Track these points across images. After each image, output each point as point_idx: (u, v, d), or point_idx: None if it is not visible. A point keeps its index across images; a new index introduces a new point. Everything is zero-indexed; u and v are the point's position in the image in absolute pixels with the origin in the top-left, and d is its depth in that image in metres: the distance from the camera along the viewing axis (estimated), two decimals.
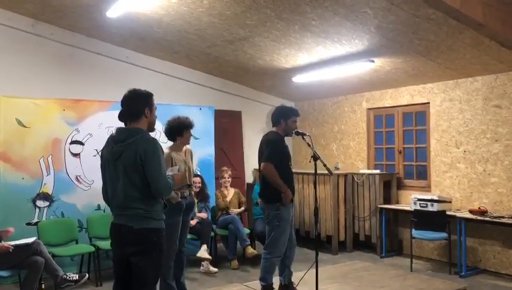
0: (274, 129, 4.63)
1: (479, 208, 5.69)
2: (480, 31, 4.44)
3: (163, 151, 3.05)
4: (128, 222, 2.93)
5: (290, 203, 4.50)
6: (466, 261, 5.73)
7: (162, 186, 2.93)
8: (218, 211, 6.55)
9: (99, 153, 3.16)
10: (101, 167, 3.10)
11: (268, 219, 4.49)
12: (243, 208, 6.68)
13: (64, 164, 5.69)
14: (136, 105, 3.03)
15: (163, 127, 4.62)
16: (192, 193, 4.90)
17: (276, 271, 4.61)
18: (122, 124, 3.09)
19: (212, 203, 6.60)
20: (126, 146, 2.91)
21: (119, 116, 3.09)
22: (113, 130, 3.09)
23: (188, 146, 4.70)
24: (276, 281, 4.58)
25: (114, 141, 2.99)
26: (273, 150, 4.45)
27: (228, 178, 6.67)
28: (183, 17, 5.31)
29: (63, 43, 6.39)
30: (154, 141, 2.96)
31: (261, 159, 4.55)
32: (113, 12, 5.26)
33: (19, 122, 5.41)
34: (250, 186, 7.59)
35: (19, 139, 5.41)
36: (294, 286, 4.62)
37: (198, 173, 6.50)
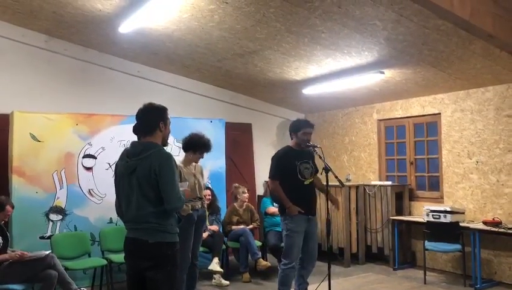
0: (289, 142, 4.82)
1: (493, 219, 5.61)
2: (491, 42, 4.43)
3: (177, 166, 3.05)
4: (143, 236, 2.92)
5: (304, 215, 4.50)
6: (481, 273, 5.64)
7: (175, 201, 2.91)
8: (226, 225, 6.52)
9: (112, 167, 3.17)
10: (115, 180, 3.10)
11: (282, 229, 4.71)
12: (251, 226, 6.51)
13: (77, 178, 5.73)
14: (151, 119, 3.04)
15: (184, 137, 4.78)
16: (205, 205, 4.95)
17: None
18: (135, 138, 3.09)
19: (223, 216, 6.58)
20: (140, 160, 2.91)
21: (133, 130, 3.09)
22: (125, 144, 3.11)
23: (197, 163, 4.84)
24: None
25: (128, 155, 3.00)
26: (277, 167, 4.64)
27: (243, 193, 6.55)
28: (194, 32, 5.37)
29: (75, 58, 6.49)
30: (169, 156, 2.96)
31: None
32: (125, 28, 5.34)
33: (33, 137, 5.47)
34: (261, 198, 7.58)
35: (32, 153, 5.46)
36: None
37: (209, 186, 6.51)
